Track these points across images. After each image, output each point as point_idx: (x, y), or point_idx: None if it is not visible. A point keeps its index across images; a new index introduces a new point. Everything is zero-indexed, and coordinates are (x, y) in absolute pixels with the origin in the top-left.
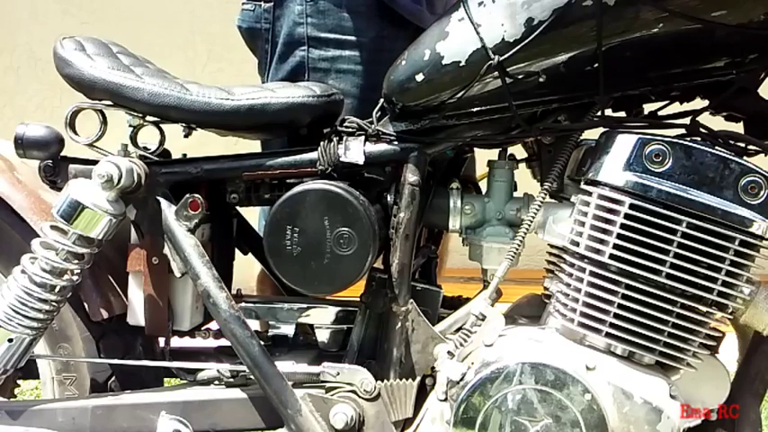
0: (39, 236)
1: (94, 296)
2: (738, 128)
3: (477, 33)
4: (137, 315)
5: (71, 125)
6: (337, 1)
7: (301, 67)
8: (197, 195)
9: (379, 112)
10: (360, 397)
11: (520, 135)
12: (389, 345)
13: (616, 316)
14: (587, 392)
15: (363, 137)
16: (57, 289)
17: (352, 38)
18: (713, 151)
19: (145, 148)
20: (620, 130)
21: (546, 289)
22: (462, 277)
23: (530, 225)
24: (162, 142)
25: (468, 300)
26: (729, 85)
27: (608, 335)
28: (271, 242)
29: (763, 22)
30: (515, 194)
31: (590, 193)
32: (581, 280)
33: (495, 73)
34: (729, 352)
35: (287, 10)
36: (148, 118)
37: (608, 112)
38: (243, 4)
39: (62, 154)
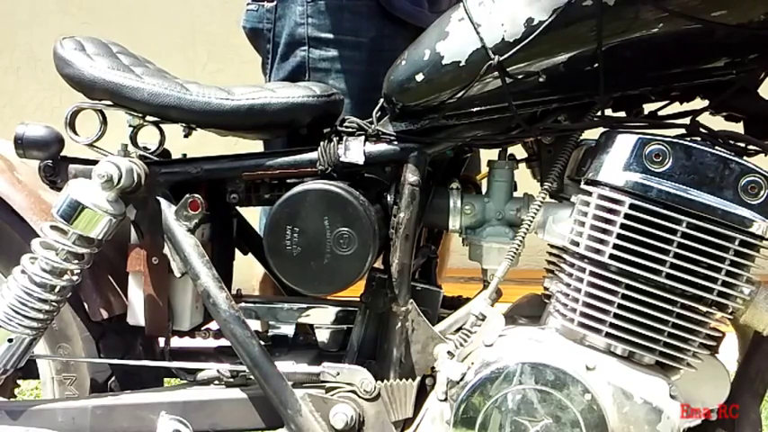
0: (39, 236)
1: (94, 296)
2: (738, 128)
3: (477, 33)
4: (137, 315)
5: (71, 125)
6: (338, 1)
7: (302, 67)
8: (197, 195)
9: (379, 112)
10: (360, 397)
11: (520, 135)
12: (389, 345)
13: (616, 316)
14: (587, 392)
15: (363, 137)
16: (57, 289)
17: (353, 38)
18: (713, 151)
19: (145, 148)
20: (620, 130)
21: (546, 289)
22: (462, 277)
23: (530, 225)
24: (162, 142)
25: (468, 300)
26: (729, 85)
27: (608, 335)
28: (271, 242)
29: (763, 22)
30: (515, 194)
31: (590, 193)
32: (581, 280)
33: (495, 73)
34: (729, 352)
35: (288, 10)
36: (148, 118)
37: (608, 112)
38: (247, 4)
39: (62, 154)
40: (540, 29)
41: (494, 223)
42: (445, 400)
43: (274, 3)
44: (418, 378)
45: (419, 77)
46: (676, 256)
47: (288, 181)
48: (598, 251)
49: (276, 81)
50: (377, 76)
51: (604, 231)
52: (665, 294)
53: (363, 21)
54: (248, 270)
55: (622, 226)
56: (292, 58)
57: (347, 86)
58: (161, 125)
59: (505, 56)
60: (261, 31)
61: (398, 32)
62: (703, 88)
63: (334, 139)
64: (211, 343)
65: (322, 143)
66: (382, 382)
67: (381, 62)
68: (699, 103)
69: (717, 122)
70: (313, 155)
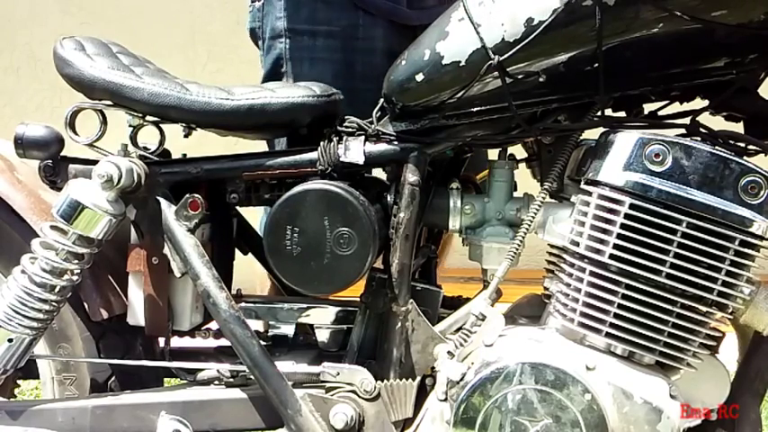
0: (39, 236)
1: (94, 296)
2: (738, 128)
3: (477, 33)
4: (137, 315)
5: (71, 125)
6: None
7: (281, 59)
8: (197, 195)
9: (379, 112)
10: (360, 397)
11: (520, 135)
12: (389, 345)
13: (616, 316)
14: (587, 392)
15: (363, 137)
16: (57, 289)
17: (326, 27)
18: (713, 151)
19: (145, 148)
20: (620, 130)
21: (546, 289)
22: (462, 277)
23: (530, 225)
24: (162, 142)
25: (468, 300)
26: (729, 85)
27: (608, 335)
28: (271, 242)
29: (763, 22)
30: (515, 194)
31: (590, 193)
32: (581, 280)
33: (495, 73)
34: (729, 352)
35: (271, 7)
36: (148, 118)
37: (608, 112)
38: (249, 6)
39: (62, 154)
40: (540, 29)
41: (494, 223)
42: (445, 400)
43: (262, 1)
44: (418, 378)
45: (419, 77)
46: (676, 256)
47: (288, 181)
48: (598, 251)
49: (263, 76)
50: (351, 64)
51: (604, 231)
52: (665, 294)
53: (336, 11)
54: (248, 270)
55: (622, 226)
56: (273, 51)
57: (322, 74)
58: (161, 125)
59: (505, 56)
60: (255, 29)
61: (376, 22)
62: (703, 88)
63: (334, 139)
64: (211, 343)
65: (322, 143)
66: (382, 382)
67: (355, 50)
68: (699, 103)
69: (717, 122)
70: (313, 155)
